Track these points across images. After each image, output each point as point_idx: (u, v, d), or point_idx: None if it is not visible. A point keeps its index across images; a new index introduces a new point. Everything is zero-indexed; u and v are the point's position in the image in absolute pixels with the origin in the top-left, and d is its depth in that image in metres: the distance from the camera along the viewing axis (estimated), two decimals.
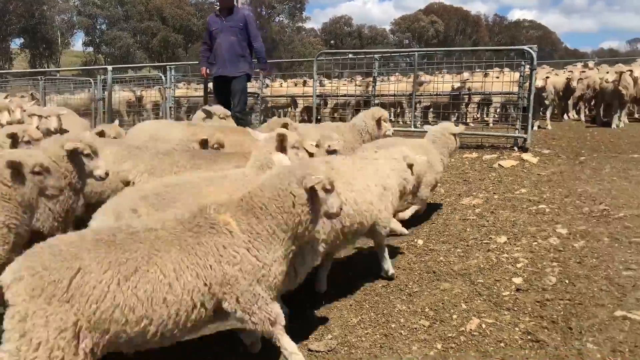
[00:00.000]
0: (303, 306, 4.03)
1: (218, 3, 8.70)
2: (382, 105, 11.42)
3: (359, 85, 13.60)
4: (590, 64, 18.58)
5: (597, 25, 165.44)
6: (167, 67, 13.17)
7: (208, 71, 8.72)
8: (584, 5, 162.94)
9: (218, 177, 4.01)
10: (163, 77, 13.29)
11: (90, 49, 72.33)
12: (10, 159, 3.39)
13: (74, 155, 3.87)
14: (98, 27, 70.57)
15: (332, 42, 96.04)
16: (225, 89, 8.67)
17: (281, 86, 16.86)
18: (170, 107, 12.76)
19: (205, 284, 2.70)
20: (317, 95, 11.29)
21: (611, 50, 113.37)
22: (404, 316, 3.78)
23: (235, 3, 8.91)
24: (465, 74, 12.57)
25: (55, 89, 17.15)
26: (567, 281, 4.08)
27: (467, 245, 4.94)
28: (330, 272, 4.28)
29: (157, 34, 67.64)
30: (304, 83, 15.55)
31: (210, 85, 9.15)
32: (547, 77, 12.12)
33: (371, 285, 4.28)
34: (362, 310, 3.84)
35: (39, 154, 3.64)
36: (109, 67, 13.05)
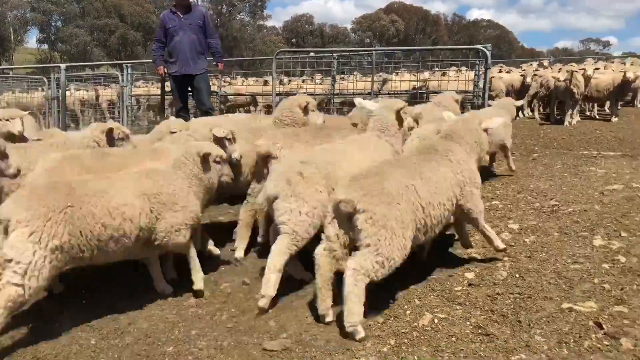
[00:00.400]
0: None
1: (175, 4, 8.60)
2: (342, 103, 11.51)
3: (320, 84, 13.62)
4: (545, 62, 19.11)
5: (552, 25, 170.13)
6: (124, 65, 12.92)
7: (166, 70, 8.63)
8: (540, 6, 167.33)
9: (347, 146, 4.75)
10: (120, 76, 13.03)
11: (45, 46, 70.44)
12: (201, 149, 4.36)
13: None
14: (53, 24, 68.73)
15: (293, 40, 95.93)
16: (186, 87, 8.66)
17: (242, 84, 16.78)
18: (127, 107, 12.53)
19: None
20: (277, 94, 11.26)
21: (565, 49, 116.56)
22: None
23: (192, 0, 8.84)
24: (426, 74, 12.74)
25: (8, 87, 16.66)
26: (517, 275, 4.19)
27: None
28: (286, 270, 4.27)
29: (115, 32, 66.35)
30: (265, 82, 15.49)
31: (167, 84, 9.08)
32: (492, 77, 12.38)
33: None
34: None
35: (217, 147, 4.61)
36: (62, 66, 12.72)
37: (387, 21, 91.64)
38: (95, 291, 4.56)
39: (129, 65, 12.82)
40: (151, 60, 9.40)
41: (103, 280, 4.72)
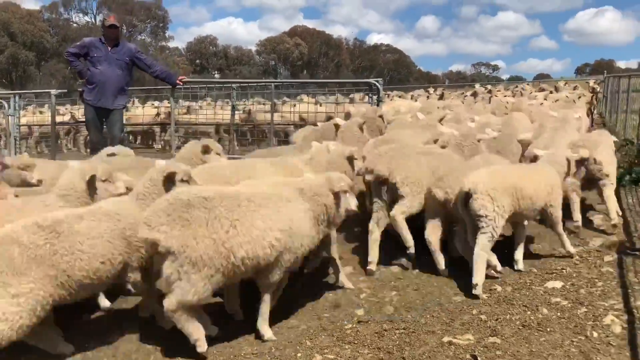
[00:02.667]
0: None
1: (104, 32, 8.55)
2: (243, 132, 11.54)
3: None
4: (431, 90, 20.31)
5: (446, 49, 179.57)
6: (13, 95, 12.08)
7: (86, 97, 8.51)
8: (435, 31, 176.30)
9: None
10: (5, 104, 12.23)
11: None
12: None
13: None
14: None
15: (197, 61, 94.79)
16: (101, 119, 8.63)
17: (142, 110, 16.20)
18: (15, 137, 11.77)
19: None
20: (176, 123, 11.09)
21: (459, 72, 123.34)
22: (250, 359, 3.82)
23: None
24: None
25: None
26: (403, 310, 4.39)
27: (314, 280, 5.12)
28: None
29: (4, 51, 62.42)
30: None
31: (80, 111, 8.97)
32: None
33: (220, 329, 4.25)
34: (211, 356, 3.83)
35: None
36: None
37: (291, 44, 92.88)
38: None
39: (16, 94, 12.04)
40: (41, 91, 9.13)
41: None
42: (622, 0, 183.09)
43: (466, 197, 4.70)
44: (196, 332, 3.65)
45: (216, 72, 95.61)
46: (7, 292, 3.29)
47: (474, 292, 4.52)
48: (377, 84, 9.15)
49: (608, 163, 6.05)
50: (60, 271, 3.46)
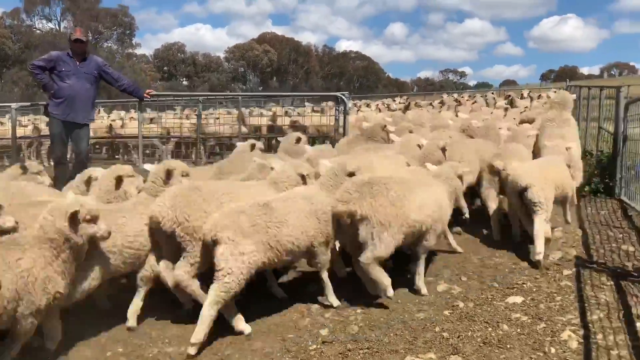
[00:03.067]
0: None
1: (70, 46, 8.44)
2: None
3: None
4: (397, 99, 20.63)
5: (415, 56, 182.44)
6: None
7: (53, 111, 8.37)
8: (403, 38, 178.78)
9: None
10: None
11: None
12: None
13: None
14: None
15: (165, 68, 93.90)
16: (67, 134, 8.51)
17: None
18: None
19: None
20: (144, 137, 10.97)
21: (427, 79, 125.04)
22: None
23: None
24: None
25: None
26: (367, 329, 4.42)
27: (280, 299, 5.11)
28: None
29: None
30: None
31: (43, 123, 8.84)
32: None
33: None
34: None
35: None
36: None
37: (260, 51, 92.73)
38: None
39: None
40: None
41: None
42: (584, 8, 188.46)
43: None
44: (385, 279, 4.69)
45: (184, 79, 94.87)
46: (236, 250, 4.11)
47: (536, 258, 5.50)
48: (343, 97, 9.22)
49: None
50: (272, 236, 4.29)
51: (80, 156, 8.61)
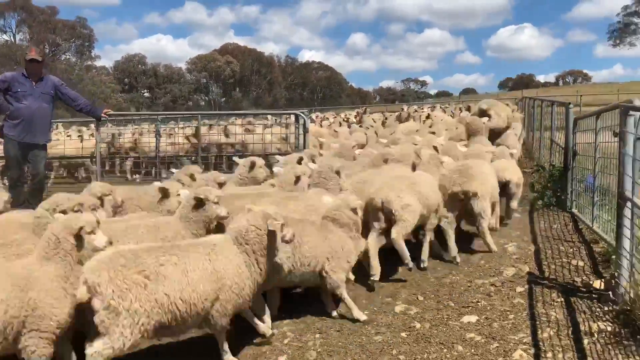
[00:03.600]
0: None
1: (25, 66, 8.35)
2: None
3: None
4: (354, 111, 21.01)
5: (376, 65, 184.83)
6: None
7: (9, 133, 8.23)
8: (364, 48, 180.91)
9: None
10: None
11: None
12: None
13: None
14: None
15: (126, 80, 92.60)
16: (24, 155, 8.36)
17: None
18: None
19: None
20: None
21: (389, 88, 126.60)
22: None
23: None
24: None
25: None
26: (326, 354, 4.45)
27: (238, 324, 5.10)
28: None
29: None
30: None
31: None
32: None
33: None
34: None
35: None
36: None
37: (222, 62, 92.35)
38: None
39: None
40: None
41: None
42: (539, 18, 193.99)
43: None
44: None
45: (145, 90, 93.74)
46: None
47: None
48: (302, 115, 9.28)
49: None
50: None
51: (37, 177, 8.48)
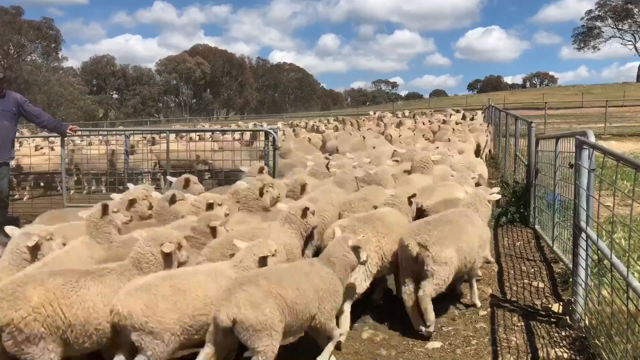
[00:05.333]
0: None
1: None
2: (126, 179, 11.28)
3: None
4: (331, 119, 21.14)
5: (347, 67, 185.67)
6: None
7: None
8: (335, 49, 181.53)
9: None
10: None
11: None
12: None
13: None
14: None
15: (94, 81, 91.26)
16: None
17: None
18: None
19: None
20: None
21: (360, 89, 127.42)
22: None
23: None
24: None
25: None
26: None
27: None
28: None
29: None
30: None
31: None
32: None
33: None
34: None
35: None
36: None
37: (192, 63, 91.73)
38: None
39: None
40: None
41: None
42: (506, 20, 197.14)
43: None
44: None
45: (114, 92, 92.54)
46: None
47: None
48: (272, 132, 9.33)
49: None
50: None
51: (0, 195, 8.33)
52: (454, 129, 14.99)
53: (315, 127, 18.88)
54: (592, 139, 4.84)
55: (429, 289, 5.03)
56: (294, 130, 18.63)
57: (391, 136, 13.71)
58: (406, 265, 5.22)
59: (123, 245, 4.99)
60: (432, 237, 5.08)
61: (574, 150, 5.34)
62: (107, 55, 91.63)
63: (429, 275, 5.04)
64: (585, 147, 4.86)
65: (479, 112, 23.29)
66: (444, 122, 17.99)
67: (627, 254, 3.64)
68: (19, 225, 5.44)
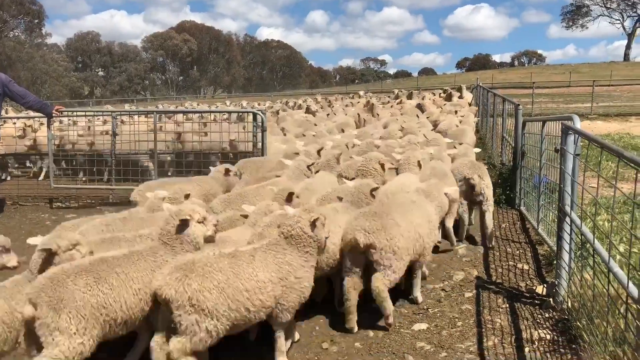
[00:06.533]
0: None
1: None
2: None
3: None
4: (319, 97, 20.93)
5: (336, 44, 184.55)
6: None
7: None
8: (323, 26, 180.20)
9: None
10: None
11: None
12: None
13: None
14: None
15: (79, 58, 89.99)
16: None
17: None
18: None
19: None
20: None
21: (349, 67, 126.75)
22: None
23: None
24: None
25: None
26: None
27: None
28: None
29: None
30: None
31: None
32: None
33: None
34: None
35: None
36: None
37: (179, 40, 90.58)
38: None
39: None
40: None
41: None
42: None
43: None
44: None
45: (100, 69, 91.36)
46: None
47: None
48: (261, 114, 9.30)
49: None
50: None
51: None
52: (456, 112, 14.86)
53: (306, 107, 18.83)
54: (577, 124, 4.89)
55: (383, 280, 4.94)
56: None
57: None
58: (352, 258, 5.03)
59: None
60: (377, 225, 4.92)
61: (559, 134, 5.39)
62: (92, 32, 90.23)
63: (381, 267, 4.95)
64: (570, 132, 4.91)
65: (464, 86, 23.17)
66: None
67: (608, 239, 3.71)
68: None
